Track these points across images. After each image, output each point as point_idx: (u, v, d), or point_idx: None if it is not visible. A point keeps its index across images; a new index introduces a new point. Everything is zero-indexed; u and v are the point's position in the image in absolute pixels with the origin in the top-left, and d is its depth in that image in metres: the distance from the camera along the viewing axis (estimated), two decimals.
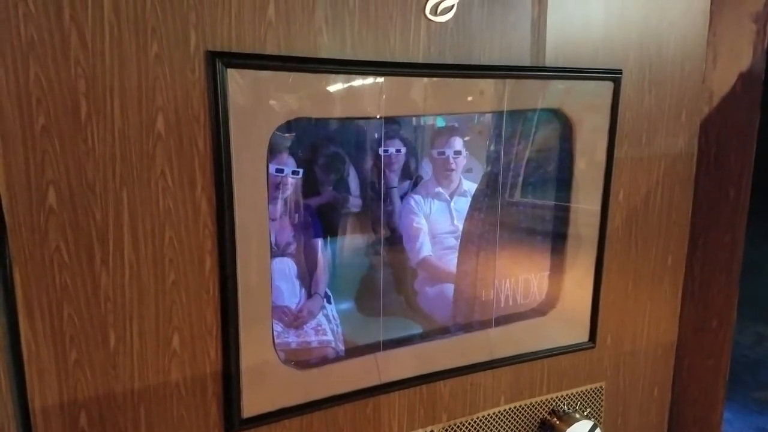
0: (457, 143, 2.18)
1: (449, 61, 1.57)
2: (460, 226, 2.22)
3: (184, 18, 1.25)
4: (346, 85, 1.50)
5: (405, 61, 1.51)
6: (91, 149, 1.21)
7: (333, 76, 1.46)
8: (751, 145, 1.99)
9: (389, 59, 1.49)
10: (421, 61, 1.53)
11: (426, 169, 2.36)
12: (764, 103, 1.98)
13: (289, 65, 1.36)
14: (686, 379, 2.23)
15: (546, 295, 2.04)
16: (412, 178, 2.37)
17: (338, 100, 1.52)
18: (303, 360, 1.83)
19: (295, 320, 1.94)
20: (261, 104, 1.38)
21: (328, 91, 1.48)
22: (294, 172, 1.96)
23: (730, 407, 2.44)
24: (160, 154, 1.27)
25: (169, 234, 1.31)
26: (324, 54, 1.40)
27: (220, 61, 1.28)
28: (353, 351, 1.84)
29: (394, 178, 2.36)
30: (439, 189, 2.27)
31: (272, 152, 1.82)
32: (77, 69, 1.17)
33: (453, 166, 2.20)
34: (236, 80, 1.31)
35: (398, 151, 2.31)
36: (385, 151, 2.29)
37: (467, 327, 2.02)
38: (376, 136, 2.22)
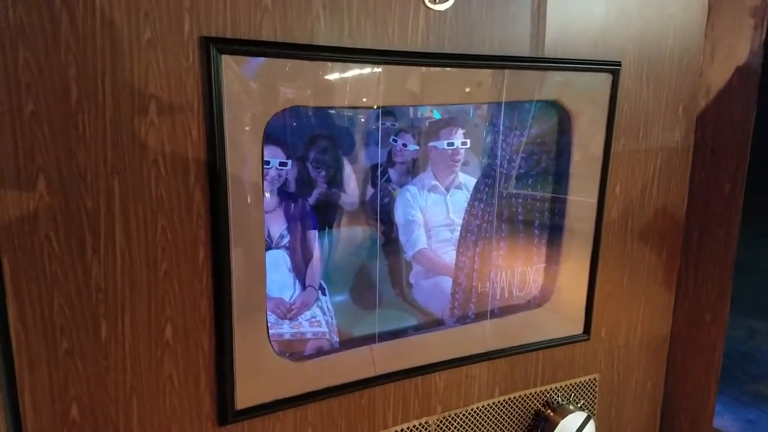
0: (461, 134, 2.17)
1: (448, 50, 1.55)
2: (456, 219, 2.21)
3: (177, 2, 1.22)
4: (343, 74, 1.48)
5: (403, 49, 1.49)
6: (81, 136, 1.19)
7: (330, 64, 1.44)
8: (747, 140, 1.99)
9: (387, 48, 1.46)
10: (419, 50, 1.51)
11: (422, 161, 2.35)
12: (760, 98, 1.98)
13: (285, 52, 1.34)
14: (679, 372, 2.25)
15: (541, 287, 2.04)
16: (409, 170, 2.36)
17: (335, 88, 1.50)
18: (297, 351, 1.81)
19: (289, 312, 1.93)
20: (256, 92, 1.36)
21: (325, 80, 1.46)
22: (281, 164, 1.93)
23: (720, 400, 2.46)
24: (152, 142, 1.25)
25: (162, 223, 1.29)
26: (321, 41, 1.38)
27: (214, 47, 1.25)
28: (348, 343, 1.83)
29: (391, 170, 2.35)
30: (436, 182, 2.25)
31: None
32: (68, 54, 1.15)
33: (460, 156, 2.19)
34: (231, 67, 1.29)
35: (395, 141, 2.30)
36: (395, 140, 2.28)
37: (463, 319, 2.01)
38: (373, 127, 2.20)
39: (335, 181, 2.15)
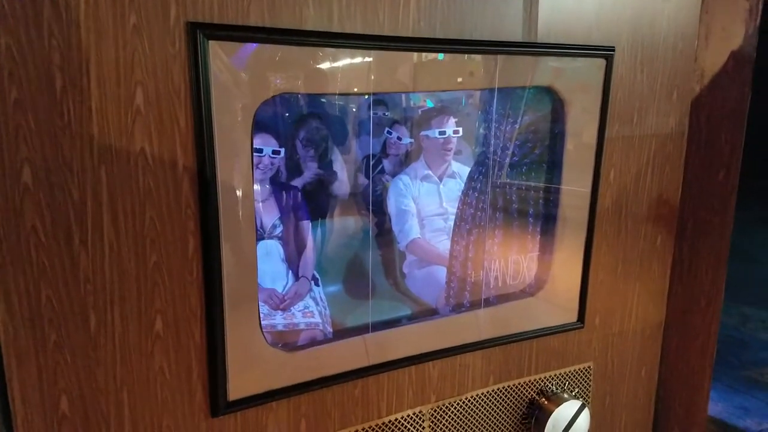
0: (453, 122, 2.15)
1: (440, 35, 1.53)
2: (449, 208, 2.20)
3: None
4: (333, 60, 1.46)
5: (394, 35, 1.46)
6: (67, 125, 1.16)
7: (320, 50, 1.41)
8: (742, 126, 1.98)
9: (378, 33, 1.44)
10: (410, 35, 1.49)
11: (414, 151, 2.33)
12: (755, 83, 1.96)
13: (274, 37, 1.32)
14: (674, 359, 2.25)
15: (535, 275, 2.03)
16: (402, 161, 2.34)
17: (325, 75, 1.48)
18: (290, 342, 1.81)
19: (282, 303, 1.92)
20: (244, 79, 1.34)
21: (314, 66, 1.44)
22: (275, 152, 1.92)
23: (714, 387, 2.47)
24: (139, 131, 1.23)
25: (150, 214, 1.27)
26: (310, 26, 1.36)
27: (201, 32, 1.23)
28: (341, 333, 1.82)
29: (385, 161, 2.33)
30: (429, 171, 2.24)
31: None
32: (51, 40, 1.12)
33: (452, 145, 2.17)
34: (218, 53, 1.26)
35: (390, 133, 2.28)
36: (390, 132, 2.26)
37: (456, 308, 2.01)
38: (365, 116, 2.18)
39: (325, 160, 2.13)
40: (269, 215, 1.99)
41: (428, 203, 2.23)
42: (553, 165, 1.92)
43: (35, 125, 1.14)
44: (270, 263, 1.97)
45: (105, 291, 1.26)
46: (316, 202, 2.15)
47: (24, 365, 1.21)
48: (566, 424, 1.93)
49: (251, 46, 1.32)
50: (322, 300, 1.98)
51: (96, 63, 1.16)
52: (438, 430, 1.82)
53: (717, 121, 2.01)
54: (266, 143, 1.89)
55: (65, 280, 1.22)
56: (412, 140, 2.30)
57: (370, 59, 1.50)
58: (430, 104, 2.32)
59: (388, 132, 2.27)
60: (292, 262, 2.03)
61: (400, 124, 2.30)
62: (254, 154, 1.83)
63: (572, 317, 2.00)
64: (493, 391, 1.91)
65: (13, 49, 1.10)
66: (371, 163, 2.26)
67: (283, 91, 1.45)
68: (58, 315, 1.22)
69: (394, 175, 2.28)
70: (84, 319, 1.25)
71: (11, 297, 1.18)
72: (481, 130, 2.15)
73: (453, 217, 2.14)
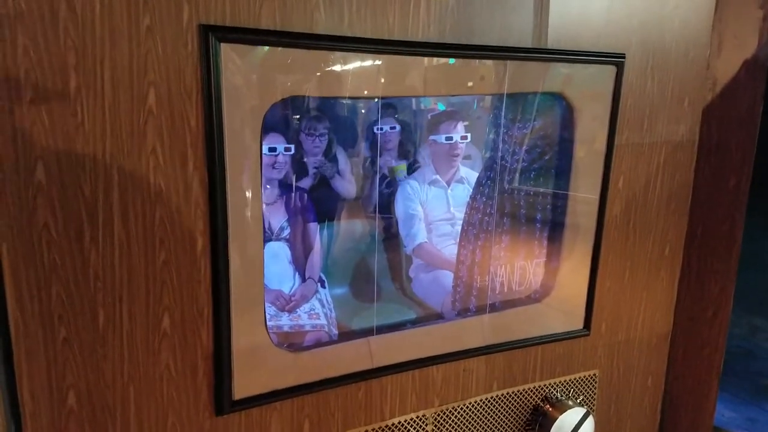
0: (462, 128, 2.15)
1: (449, 40, 1.53)
2: (456, 213, 2.20)
3: None
4: (343, 64, 1.47)
5: (404, 39, 1.47)
6: (80, 124, 1.18)
7: (330, 53, 1.42)
8: (754, 134, 1.97)
9: (387, 37, 1.45)
10: (420, 40, 1.49)
11: (423, 155, 2.33)
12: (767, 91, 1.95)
13: (285, 41, 1.33)
14: (680, 369, 2.23)
15: (542, 282, 2.03)
16: (408, 161, 2.33)
17: (335, 79, 1.49)
18: (296, 343, 1.81)
19: (289, 304, 1.93)
20: (255, 81, 1.35)
21: (325, 69, 1.45)
22: (286, 149, 1.92)
23: (721, 397, 2.44)
24: (151, 131, 1.24)
25: (160, 213, 1.29)
26: (321, 30, 1.37)
27: (213, 35, 1.25)
28: (346, 335, 1.82)
29: (389, 160, 2.32)
30: (437, 176, 2.24)
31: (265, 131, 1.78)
32: (67, 41, 1.14)
33: (459, 151, 2.17)
34: (230, 55, 1.28)
35: (393, 128, 2.26)
36: (380, 129, 2.25)
37: (461, 313, 2.01)
38: (371, 117, 2.18)
39: (329, 154, 2.12)
40: (277, 217, 2.00)
41: (436, 208, 2.23)
42: (561, 171, 1.91)
43: (49, 123, 1.16)
44: (277, 265, 1.98)
45: (114, 288, 1.27)
46: (323, 204, 2.15)
47: (33, 360, 1.23)
48: (570, 431, 1.92)
49: (262, 49, 1.33)
50: (328, 302, 1.98)
51: (110, 63, 1.18)
52: None
53: (728, 129, 2.00)
54: (278, 142, 1.90)
55: (75, 277, 1.23)
56: (398, 125, 2.25)
57: (380, 63, 1.51)
58: (441, 107, 2.31)
59: (379, 129, 2.22)
60: (299, 263, 2.04)
61: (384, 116, 2.26)
62: (269, 153, 1.84)
63: (578, 324, 2.00)
64: (496, 396, 1.91)
65: (30, 49, 1.12)
66: (378, 165, 2.25)
67: (293, 93, 1.47)
68: (67, 311, 1.24)
69: (396, 161, 2.24)
70: (93, 315, 1.27)
71: (23, 293, 1.19)
72: (491, 135, 2.15)
73: (460, 222, 2.14)
